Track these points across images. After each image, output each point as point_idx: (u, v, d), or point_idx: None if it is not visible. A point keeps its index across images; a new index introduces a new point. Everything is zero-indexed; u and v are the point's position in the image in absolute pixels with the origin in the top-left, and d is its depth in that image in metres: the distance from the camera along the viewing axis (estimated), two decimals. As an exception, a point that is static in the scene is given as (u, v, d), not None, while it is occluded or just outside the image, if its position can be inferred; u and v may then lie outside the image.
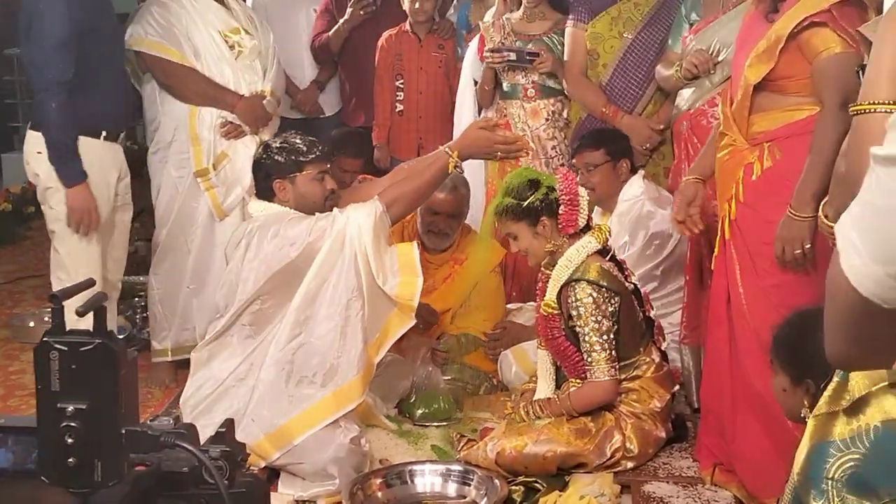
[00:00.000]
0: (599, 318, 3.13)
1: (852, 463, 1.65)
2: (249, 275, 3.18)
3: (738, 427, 3.05)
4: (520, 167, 3.64)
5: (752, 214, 2.97)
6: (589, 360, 3.16)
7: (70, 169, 3.69)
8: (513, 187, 3.25)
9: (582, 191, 3.27)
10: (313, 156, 3.32)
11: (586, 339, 3.15)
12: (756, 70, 2.88)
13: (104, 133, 3.82)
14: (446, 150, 3.31)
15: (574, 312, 3.17)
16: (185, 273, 4.12)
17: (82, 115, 3.70)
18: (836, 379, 1.74)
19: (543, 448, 3.11)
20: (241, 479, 1.29)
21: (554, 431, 3.15)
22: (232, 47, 4.09)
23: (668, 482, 3.16)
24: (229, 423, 1.32)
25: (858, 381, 1.66)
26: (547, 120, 4.40)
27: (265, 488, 1.34)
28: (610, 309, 3.15)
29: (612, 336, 3.15)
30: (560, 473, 3.14)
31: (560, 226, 3.21)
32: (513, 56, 4.31)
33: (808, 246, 2.78)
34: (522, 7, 4.44)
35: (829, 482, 1.67)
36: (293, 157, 3.31)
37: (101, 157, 3.82)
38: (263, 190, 3.37)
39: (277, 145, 3.34)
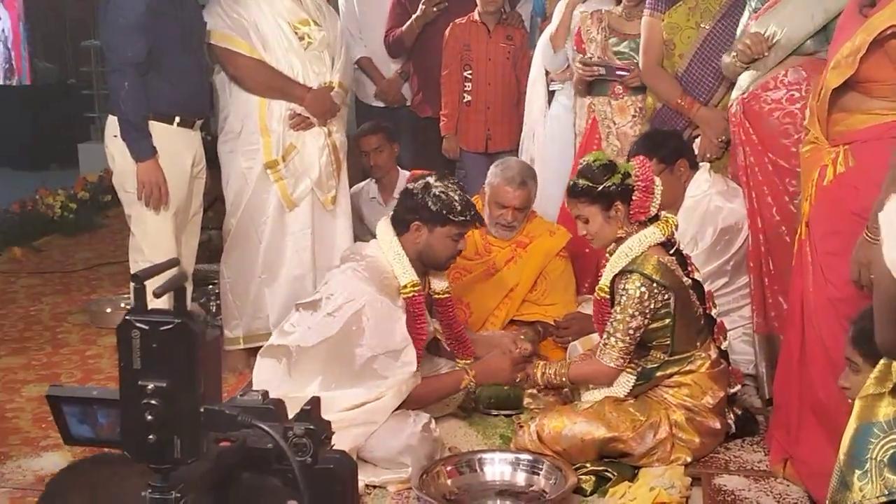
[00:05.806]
0: (636, 313, 3.11)
1: (895, 444, 1.65)
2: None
3: (803, 432, 2.97)
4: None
5: (820, 220, 2.89)
6: (606, 341, 3.17)
7: (140, 144, 3.76)
8: (588, 170, 3.22)
9: (657, 179, 3.23)
10: (463, 218, 3.28)
11: (614, 323, 3.14)
12: (838, 73, 2.75)
13: (178, 119, 3.87)
14: (467, 370, 3.36)
15: (617, 299, 3.16)
16: (257, 263, 4.15)
17: (155, 99, 3.76)
18: (882, 361, 1.73)
19: (582, 429, 3.12)
20: (326, 456, 1.29)
21: (594, 415, 3.15)
22: (301, 38, 4.08)
23: (739, 475, 3.12)
24: (315, 401, 1.32)
25: None
26: (634, 117, 4.36)
27: (352, 466, 1.34)
28: (654, 305, 3.12)
29: (638, 333, 3.14)
30: (620, 462, 3.13)
31: (632, 212, 3.18)
32: (603, 71, 4.35)
33: None
34: (622, 5, 4.41)
35: (872, 462, 1.68)
36: (444, 211, 3.28)
37: (173, 142, 3.87)
38: (401, 221, 3.36)
39: (437, 192, 3.29)
